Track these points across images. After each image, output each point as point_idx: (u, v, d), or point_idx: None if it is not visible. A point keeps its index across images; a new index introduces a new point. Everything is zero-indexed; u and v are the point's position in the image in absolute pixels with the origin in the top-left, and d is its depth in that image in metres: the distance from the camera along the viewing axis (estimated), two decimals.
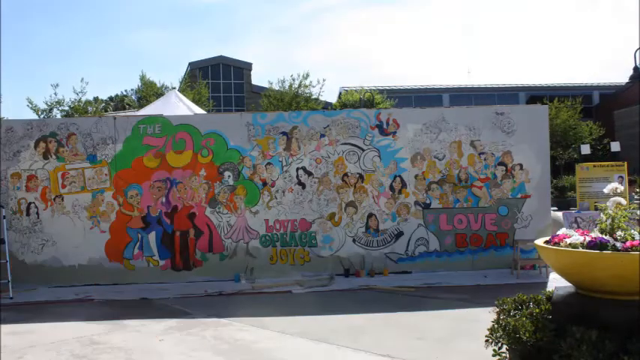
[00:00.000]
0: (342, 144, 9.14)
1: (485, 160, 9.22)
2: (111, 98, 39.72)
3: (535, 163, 9.21)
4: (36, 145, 8.89)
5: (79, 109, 24.12)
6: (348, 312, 6.70)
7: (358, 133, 9.15)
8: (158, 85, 27.64)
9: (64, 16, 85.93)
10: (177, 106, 12.08)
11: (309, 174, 9.09)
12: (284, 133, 9.10)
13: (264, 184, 9.04)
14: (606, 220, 3.70)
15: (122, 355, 5.18)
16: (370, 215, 9.12)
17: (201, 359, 5.06)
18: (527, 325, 3.52)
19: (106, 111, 29.95)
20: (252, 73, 40.91)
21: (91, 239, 8.82)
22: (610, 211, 3.71)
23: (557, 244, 3.80)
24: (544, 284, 7.61)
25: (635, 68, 14.89)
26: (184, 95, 16.40)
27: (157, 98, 18.22)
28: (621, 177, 9.75)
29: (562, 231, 3.95)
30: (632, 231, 3.57)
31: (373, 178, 9.16)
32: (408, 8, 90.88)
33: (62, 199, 8.84)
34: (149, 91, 26.59)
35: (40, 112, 23.74)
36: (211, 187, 8.93)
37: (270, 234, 9.02)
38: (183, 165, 8.92)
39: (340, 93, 35.50)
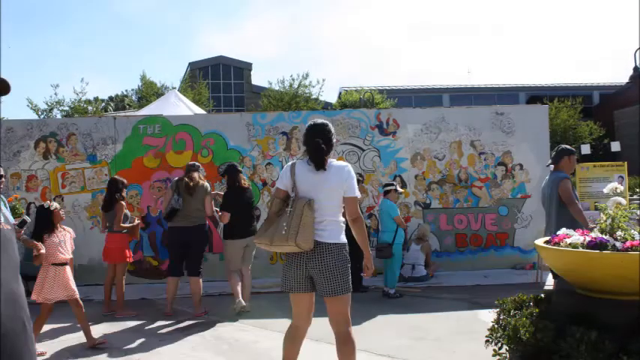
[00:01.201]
0: (342, 144, 9.14)
1: (485, 160, 9.23)
2: (111, 98, 39.69)
3: (535, 163, 9.21)
4: (36, 145, 8.90)
5: (79, 109, 24.13)
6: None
7: (358, 133, 9.15)
8: (158, 85, 27.67)
9: None
10: (177, 106, 12.06)
11: None
12: (284, 133, 9.10)
13: (264, 184, 9.03)
14: (606, 220, 3.70)
15: (122, 355, 5.18)
16: (370, 215, 9.12)
17: (202, 359, 5.06)
18: (528, 325, 3.51)
19: (106, 111, 29.95)
20: (252, 73, 40.95)
21: (91, 239, 8.81)
22: (610, 211, 3.71)
23: (557, 244, 3.80)
24: (544, 284, 7.62)
25: (635, 68, 14.89)
26: (184, 95, 16.38)
27: (157, 98, 18.21)
28: (621, 177, 9.72)
29: (562, 231, 3.95)
30: (632, 231, 3.56)
31: (373, 178, 9.16)
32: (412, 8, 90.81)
33: (62, 199, 8.84)
34: (149, 91, 26.61)
35: (40, 112, 23.77)
36: (211, 187, 8.90)
37: None
38: (184, 165, 8.89)
39: (340, 93, 35.51)
